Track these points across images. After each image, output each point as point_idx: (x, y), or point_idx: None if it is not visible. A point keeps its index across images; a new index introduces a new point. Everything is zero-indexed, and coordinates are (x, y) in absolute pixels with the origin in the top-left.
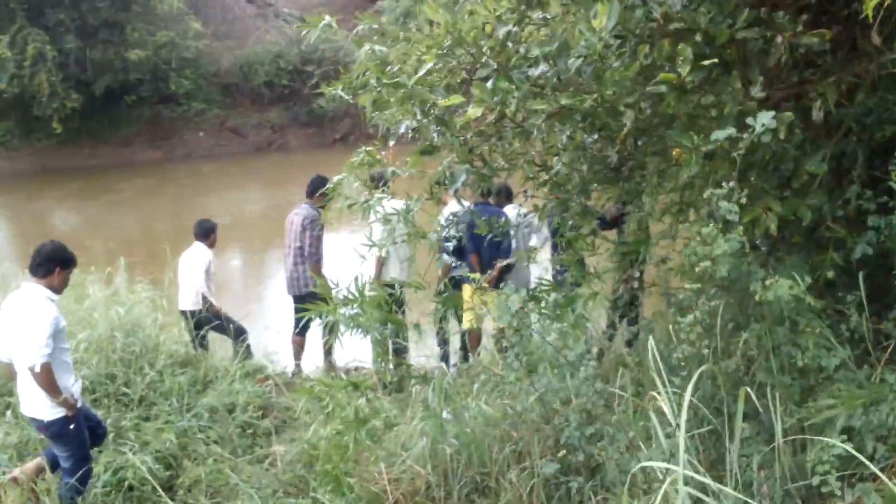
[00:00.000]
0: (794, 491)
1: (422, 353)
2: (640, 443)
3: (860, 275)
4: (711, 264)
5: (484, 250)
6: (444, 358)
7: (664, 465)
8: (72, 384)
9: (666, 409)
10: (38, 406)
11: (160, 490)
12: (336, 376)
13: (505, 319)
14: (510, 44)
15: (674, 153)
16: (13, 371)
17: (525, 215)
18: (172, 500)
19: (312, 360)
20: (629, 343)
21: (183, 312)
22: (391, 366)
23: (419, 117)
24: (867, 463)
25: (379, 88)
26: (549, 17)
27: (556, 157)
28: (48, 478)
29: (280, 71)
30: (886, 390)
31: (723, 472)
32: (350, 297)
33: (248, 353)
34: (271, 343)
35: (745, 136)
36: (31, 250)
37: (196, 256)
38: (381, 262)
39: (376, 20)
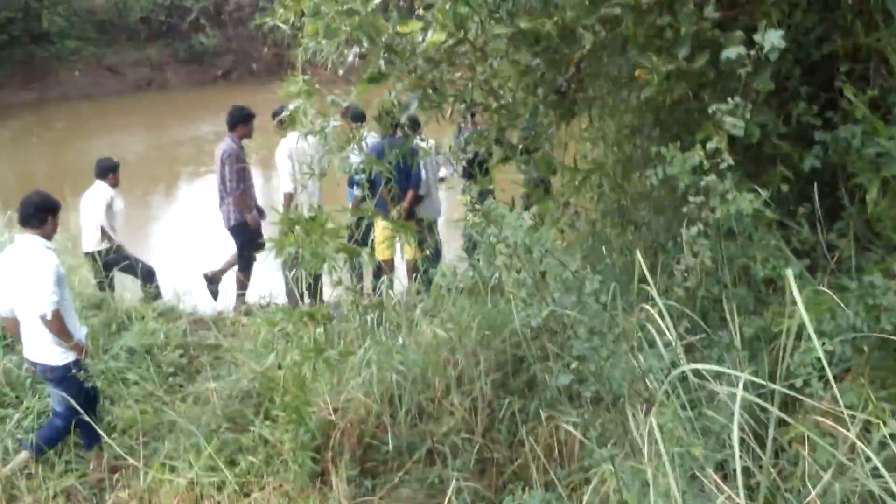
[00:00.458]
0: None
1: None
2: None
3: (815, 186)
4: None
5: (394, 182)
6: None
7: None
8: (79, 328)
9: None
10: (46, 352)
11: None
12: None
13: (517, 235)
14: None
15: (636, 73)
16: (14, 323)
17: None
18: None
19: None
20: None
21: (88, 254)
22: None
23: (365, 45)
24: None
25: (329, 15)
26: None
27: (504, 83)
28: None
29: (157, 6)
30: (850, 295)
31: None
32: (309, 226)
33: (157, 293)
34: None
35: (751, 53)
36: None
37: (97, 195)
38: (290, 198)
39: None
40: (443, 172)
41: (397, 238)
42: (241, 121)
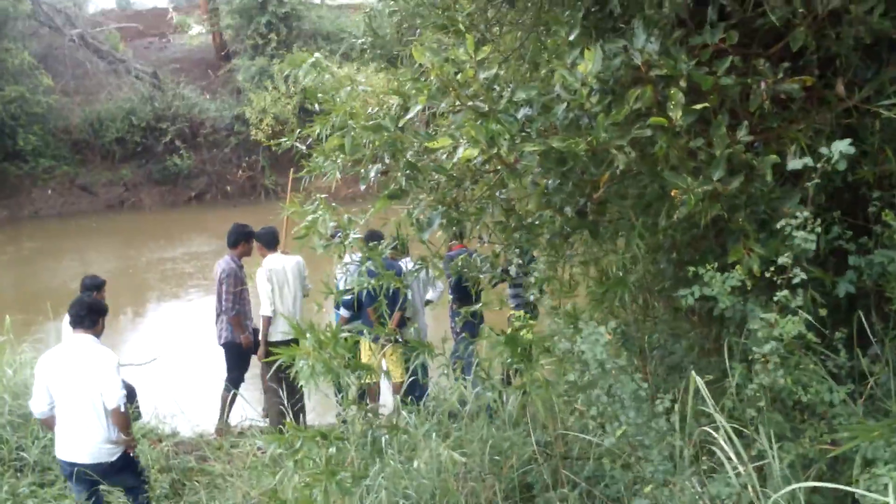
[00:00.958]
0: None
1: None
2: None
3: (856, 313)
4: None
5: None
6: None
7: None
8: None
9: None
10: (98, 451)
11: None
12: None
13: (595, 350)
14: (496, 87)
15: (673, 193)
16: (51, 422)
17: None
18: None
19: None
20: None
21: None
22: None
23: (388, 161)
24: None
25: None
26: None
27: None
28: None
29: (133, 128)
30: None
31: None
32: (324, 339)
33: (137, 413)
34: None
35: (818, 165)
36: None
37: None
38: (268, 321)
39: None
40: (430, 295)
41: (383, 361)
42: (242, 238)
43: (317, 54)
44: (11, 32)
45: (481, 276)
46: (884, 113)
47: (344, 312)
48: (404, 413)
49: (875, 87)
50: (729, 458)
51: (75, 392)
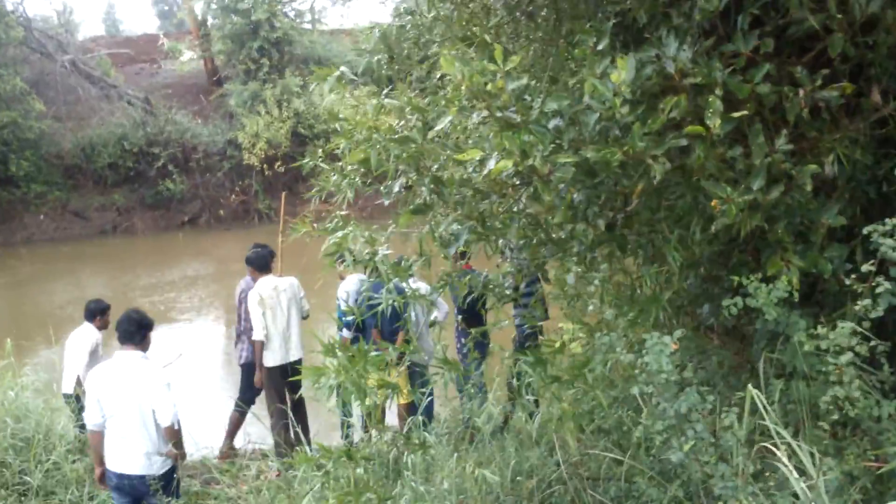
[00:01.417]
0: None
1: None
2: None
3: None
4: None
5: (384, 324)
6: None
7: None
8: None
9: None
10: (148, 463)
11: None
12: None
13: (660, 361)
14: (527, 97)
15: (712, 203)
16: (99, 437)
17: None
18: None
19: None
20: None
21: (69, 396)
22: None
23: (413, 175)
24: None
25: (381, 144)
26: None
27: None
28: None
29: (125, 153)
30: None
31: None
32: (352, 358)
33: None
34: None
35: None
36: None
37: (82, 338)
38: (261, 346)
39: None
40: (436, 315)
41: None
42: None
43: (342, 68)
44: (3, 58)
45: (493, 294)
46: None
47: (346, 333)
48: (425, 433)
49: None
50: (792, 475)
51: (125, 406)
